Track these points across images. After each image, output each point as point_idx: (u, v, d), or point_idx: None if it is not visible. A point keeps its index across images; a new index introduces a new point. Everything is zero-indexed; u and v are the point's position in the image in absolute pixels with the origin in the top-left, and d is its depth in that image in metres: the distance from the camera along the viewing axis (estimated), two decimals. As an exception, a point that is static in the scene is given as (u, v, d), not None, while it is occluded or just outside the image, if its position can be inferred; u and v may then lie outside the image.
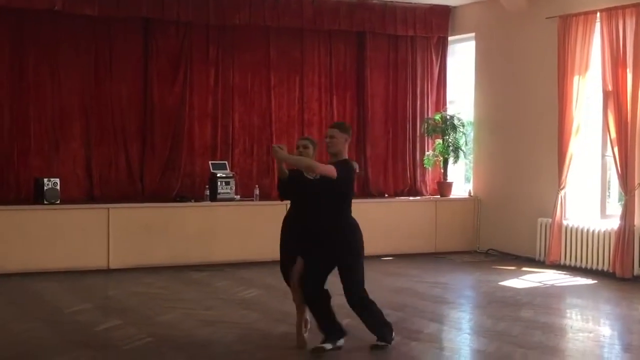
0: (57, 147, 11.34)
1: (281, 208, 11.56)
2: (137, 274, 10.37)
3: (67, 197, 11.02)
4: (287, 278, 7.10)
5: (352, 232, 6.84)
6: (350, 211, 6.91)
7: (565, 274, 10.69)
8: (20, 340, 6.91)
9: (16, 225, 10.28)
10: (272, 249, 11.38)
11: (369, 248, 11.89)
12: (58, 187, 10.62)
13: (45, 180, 10.57)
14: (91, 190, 11.53)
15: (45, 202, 10.49)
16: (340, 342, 6.69)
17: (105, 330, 7.34)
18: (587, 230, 10.84)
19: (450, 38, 13.62)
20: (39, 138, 11.24)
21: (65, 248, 10.47)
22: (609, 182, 11.06)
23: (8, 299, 8.80)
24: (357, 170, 7.19)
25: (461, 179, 13.80)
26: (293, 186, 7.07)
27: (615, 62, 10.24)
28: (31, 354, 6.44)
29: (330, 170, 6.58)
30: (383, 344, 6.70)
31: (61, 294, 9.12)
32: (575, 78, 10.89)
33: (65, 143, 11.39)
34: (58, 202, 10.59)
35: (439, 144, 13.06)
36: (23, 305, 8.48)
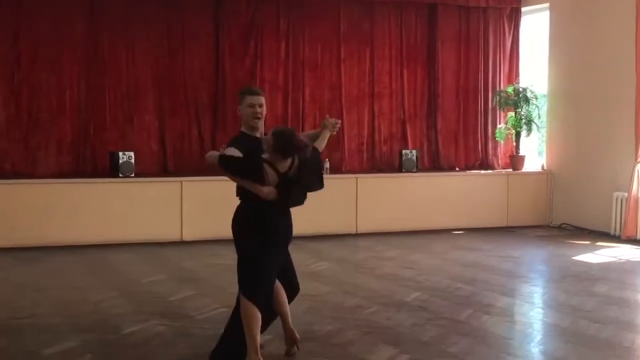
0: (131, 120, 11.55)
1: (351, 181, 11.68)
2: (210, 246, 10.52)
3: (142, 170, 11.23)
4: None
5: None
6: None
7: (641, 249, 10.49)
8: (99, 310, 7.10)
9: (93, 198, 10.53)
10: (342, 223, 11.56)
11: (439, 222, 12.00)
12: (133, 160, 10.82)
13: (120, 153, 10.79)
14: (165, 163, 11.72)
15: (121, 175, 10.71)
16: None
17: (180, 300, 7.48)
18: (665, 205, 10.59)
19: (523, 9, 13.38)
20: (114, 112, 11.46)
21: (140, 220, 10.69)
22: (688, 155, 10.76)
23: (87, 270, 9.04)
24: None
25: (534, 152, 13.59)
26: None
27: (697, 31, 9.92)
28: (109, 323, 6.60)
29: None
30: None
31: (137, 265, 9.33)
32: (654, 48, 10.59)
33: (139, 116, 11.60)
34: (133, 175, 10.80)
35: (511, 116, 12.89)
36: (101, 275, 8.69)
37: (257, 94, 5.74)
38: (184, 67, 11.80)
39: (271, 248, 5.49)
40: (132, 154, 10.87)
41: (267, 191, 5.43)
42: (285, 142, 5.41)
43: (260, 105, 5.66)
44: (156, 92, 11.70)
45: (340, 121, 6.13)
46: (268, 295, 5.57)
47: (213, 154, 5.55)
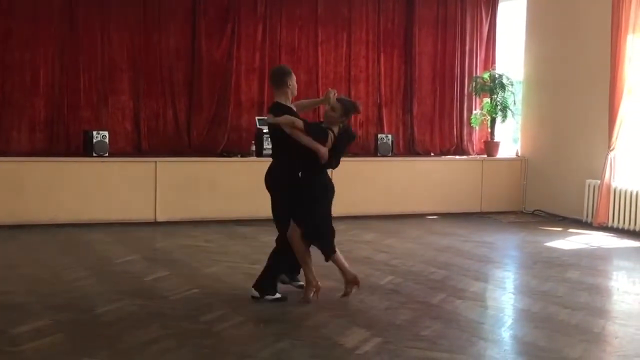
0: (106, 100, 11.46)
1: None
2: (184, 227, 10.51)
3: (116, 150, 11.17)
4: None
5: None
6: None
7: (612, 236, 10.59)
8: (72, 289, 7.05)
9: (66, 177, 10.45)
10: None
11: (413, 206, 12.04)
12: (107, 139, 10.75)
13: (94, 133, 10.71)
14: (139, 143, 11.66)
15: (94, 155, 10.64)
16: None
17: (153, 280, 7.46)
18: (637, 193, 10.68)
19: (500, -5, 13.44)
20: (89, 91, 11.36)
21: (114, 200, 10.63)
22: (661, 144, 10.87)
23: (60, 249, 8.98)
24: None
25: (509, 138, 13.67)
26: None
27: (672, 21, 9.99)
28: (82, 302, 6.56)
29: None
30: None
31: (110, 245, 9.28)
32: (629, 36, 10.64)
33: (114, 96, 11.51)
34: (107, 154, 10.73)
35: (487, 103, 12.95)
36: (74, 255, 8.64)
37: None
38: (160, 48, 11.71)
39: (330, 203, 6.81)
40: (106, 133, 10.79)
41: (324, 151, 6.51)
42: (351, 105, 6.82)
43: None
44: (131, 72, 11.61)
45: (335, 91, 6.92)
46: None
47: (288, 117, 6.59)
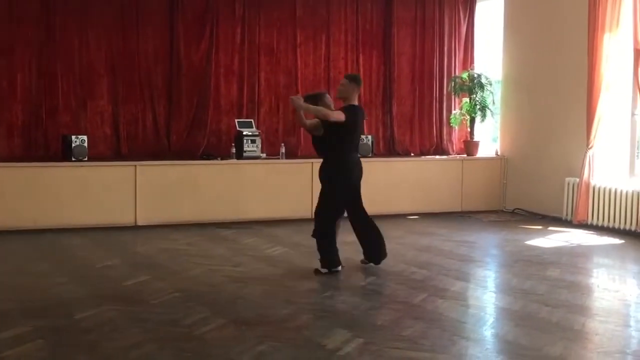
0: (84, 104, 11.41)
1: (307, 166, 11.66)
2: (164, 230, 10.47)
3: (95, 154, 11.12)
4: None
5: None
6: (353, 149, 8.04)
7: (592, 234, 10.65)
8: (52, 294, 7.00)
9: (45, 182, 10.38)
10: (298, 207, 11.55)
11: (394, 207, 12.06)
12: (86, 144, 10.71)
13: (73, 137, 10.66)
14: (118, 147, 11.61)
15: (74, 159, 10.58)
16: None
17: (134, 284, 7.42)
18: (615, 190, 10.76)
19: (478, -5, 13.50)
20: (67, 95, 11.32)
21: (94, 205, 10.58)
22: (639, 141, 10.94)
23: (39, 254, 8.92)
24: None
25: (488, 138, 13.72)
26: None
27: (647, 19, 10.06)
28: (62, 308, 6.52)
29: (339, 115, 7.64)
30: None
31: (91, 250, 9.23)
32: (606, 35, 10.72)
33: (92, 100, 11.46)
34: (86, 159, 10.68)
35: (466, 102, 12.99)
36: (53, 260, 8.58)
37: None
38: (139, 51, 11.67)
39: None
40: (85, 138, 10.74)
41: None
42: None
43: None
44: (110, 76, 11.57)
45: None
46: None
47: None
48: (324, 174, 7.93)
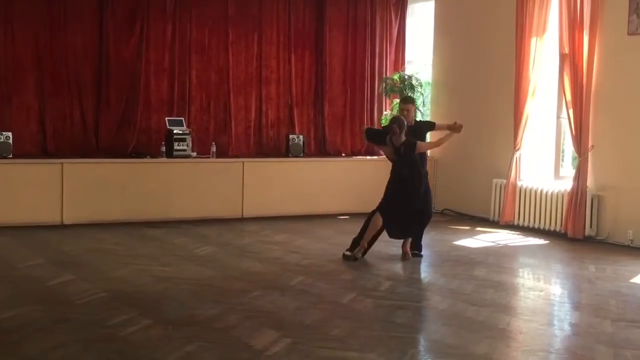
0: (9, 100, 11.13)
1: (237, 166, 11.63)
2: (91, 229, 10.30)
3: (20, 152, 10.87)
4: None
5: None
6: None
7: (518, 234, 10.85)
8: (-28, 295, 6.83)
9: (-33, 179, 10.12)
10: (228, 207, 11.49)
11: (324, 207, 12.09)
12: (10, 140, 10.47)
13: (-3, 133, 10.42)
14: (45, 144, 11.36)
15: (-2, 156, 10.34)
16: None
17: (58, 285, 7.27)
18: (541, 191, 10.98)
19: (409, -2, 13.61)
20: (-9, 91, 11.03)
21: (19, 203, 10.35)
22: (563, 144, 11.19)
23: (-41, 254, 8.70)
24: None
25: (418, 139, 13.82)
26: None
27: (572, 24, 10.27)
28: (-18, 309, 6.37)
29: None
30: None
31: (14, 249, 9.02)
32: (533, 40, 10.94)
33: (18, 96, 11.18)
34: (10, 156, 10.43)
35: (397, 103, 13.06)
36: (-26, 259, 8.37)
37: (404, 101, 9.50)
38: (66, 47, 11.43)
39: None
40: (10, 134, 10.51)
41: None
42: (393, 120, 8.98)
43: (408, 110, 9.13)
44: (36, 72, 11.30)
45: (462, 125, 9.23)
46: None
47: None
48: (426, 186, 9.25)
